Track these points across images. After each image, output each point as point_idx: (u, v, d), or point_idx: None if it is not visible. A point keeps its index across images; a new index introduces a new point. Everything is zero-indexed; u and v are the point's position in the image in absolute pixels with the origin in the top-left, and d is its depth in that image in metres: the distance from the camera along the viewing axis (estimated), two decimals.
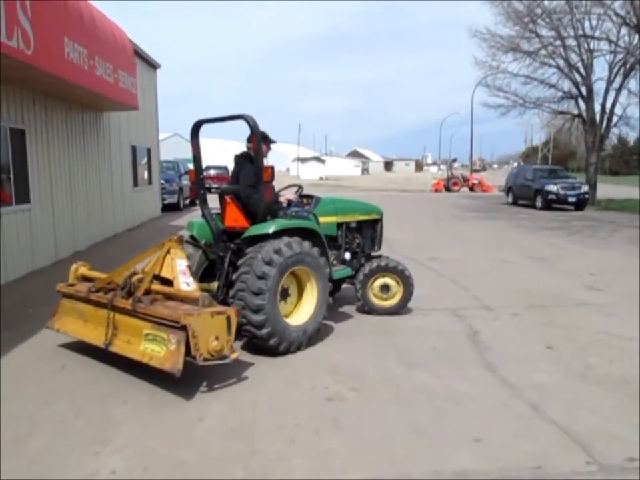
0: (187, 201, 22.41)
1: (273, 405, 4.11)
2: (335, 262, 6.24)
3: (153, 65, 17.89)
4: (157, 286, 4.77)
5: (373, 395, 4.29)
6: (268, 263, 4.89)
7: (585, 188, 23.05)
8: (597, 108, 25.66)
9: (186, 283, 4.74)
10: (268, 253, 4.93)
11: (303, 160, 72.09)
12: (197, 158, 5.79)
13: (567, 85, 26.42)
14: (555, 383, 4.56)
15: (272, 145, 5.84)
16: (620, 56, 24.26)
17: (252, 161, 5.45)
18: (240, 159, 5.83)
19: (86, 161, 11.92)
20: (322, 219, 6.04)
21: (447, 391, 4.35)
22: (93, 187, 12.35)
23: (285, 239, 5.11)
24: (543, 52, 25.93)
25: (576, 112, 26.62)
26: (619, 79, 24.77)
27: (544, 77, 26.77)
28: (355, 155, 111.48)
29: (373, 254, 6.99)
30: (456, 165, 64.37)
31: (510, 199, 26.03)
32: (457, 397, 4.24)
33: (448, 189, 37.75)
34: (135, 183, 15.92)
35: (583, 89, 25.65)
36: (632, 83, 24.79)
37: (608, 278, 8.96)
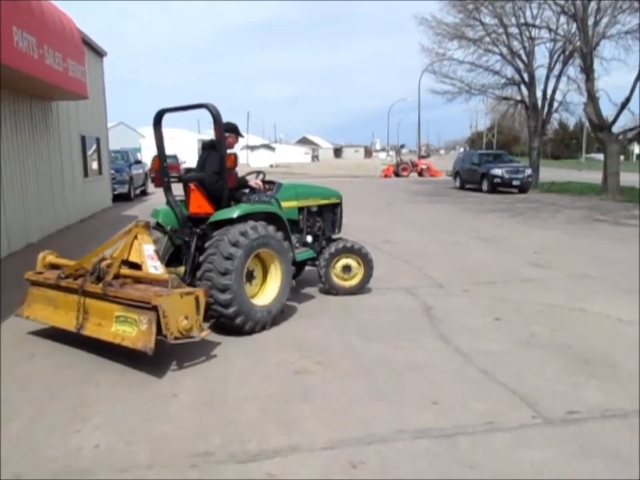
0: (138, 191, 22.14)
1: (243, 379, 4.33)
2: (297, 245, 6.47)
3: (99, 53, 17.57)
4: (126, 270, 4.91)
5: (337, 367, 4.57)
6: (234, 245, 5.13)
7: (529, 171, 24.00)
8: (539, 94, 26.70)
9: (154, 267, 4.91)
10: (234, 235, 5.16)
11: (252, 148, 71.72)
12: (160, 146, 5.94)
13: (510, 71, 27.39)
14: (503, 350, 4.95)
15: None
16: (559, 44, 25.26)
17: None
18: (206, 147, 6.00)
19: (36, 151, 11.72)
20: (284, 204, 6.25)
21: (405, 361, 4.67)
22: (44, 179, 12.16)
23: (251, 222, 5.35)
24: (487, 39, 26.73)
25: (519, 98, 27.60)
26: (558, 66, 25.81)
27: (488, 64, 27.65)
28: (304, 142, 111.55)
29: (334, 237, 7.26)
30: (404, 150, 65.23)
31: (457, 183, 26.80)
32: (414, 366, 4.57)
33: (397, 175, 38.40)
34: (86, 174, 15.68)
35: (526, 76, 26.61)
36: (571, 70, 25.82)
37: (550, 255, 9.51)
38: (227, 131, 5.78)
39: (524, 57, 26.28)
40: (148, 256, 4.94)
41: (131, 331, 4.41)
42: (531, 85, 26.51)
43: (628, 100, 21.48)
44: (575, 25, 22.73)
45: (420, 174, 38.88)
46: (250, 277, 5.54)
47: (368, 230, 12.23)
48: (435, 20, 26.98)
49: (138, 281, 4.79)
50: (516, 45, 26.30)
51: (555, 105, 26.68)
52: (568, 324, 5.72)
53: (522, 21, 25.25)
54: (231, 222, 5.35)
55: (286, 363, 4.67)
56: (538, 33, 26.01)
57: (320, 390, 4.14)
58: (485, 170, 23.94)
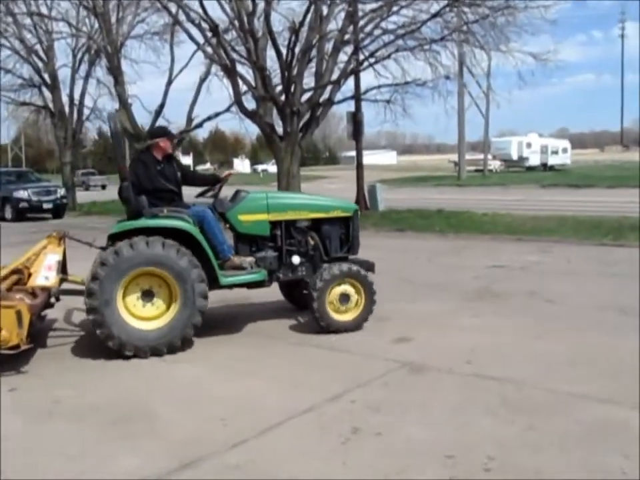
0: None
1: None
2: (248, 265, 6.27)
3: None
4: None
5: None
6: (116, 253, 5.69)
7: (62, 192, 23.64)
8: (65, 99, 26.62)
9: (45, 277, 5.97)
10: (120, 246, 5.73)
11: None
12: None
13: (27, 70, 26.48)
14: (15, 433, 4.28)
15: None
16: (83, 41, 25.56)
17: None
18: None
19: None
20: (244, 217, 6.44)
21: None
22: None
23: (136, 238, 5.73)
24: None
25: (41, 103, 27.01)
26: (85, 67, 26.19)
27: None
28: None
29: (351, 257, 6.98)
30: None
31: None
32: None
33: None
34: None
35: (47, 77, 26.15)
36: (100, 72, 26.42)
37: None
38: (155, 137, 6.51)
39: (42, 55, 25.79)
40: (45, 266, 6.00)
41: None
42: (54, 88, 26.23)
43: (162, 106, 23.15)
44: (96, 20, 23.24)
45: None
46: (149, 295, 5.86)
47: None
48: None
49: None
50: (31, 38, 25.61)
51: (87, 111, 27.10)
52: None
53: (34, 9, 24.58)
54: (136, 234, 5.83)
55: None
56: (57, 27, 25.89)
57: None
58: (8, 193, 22.48)
